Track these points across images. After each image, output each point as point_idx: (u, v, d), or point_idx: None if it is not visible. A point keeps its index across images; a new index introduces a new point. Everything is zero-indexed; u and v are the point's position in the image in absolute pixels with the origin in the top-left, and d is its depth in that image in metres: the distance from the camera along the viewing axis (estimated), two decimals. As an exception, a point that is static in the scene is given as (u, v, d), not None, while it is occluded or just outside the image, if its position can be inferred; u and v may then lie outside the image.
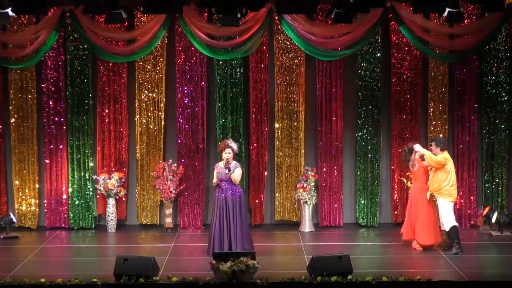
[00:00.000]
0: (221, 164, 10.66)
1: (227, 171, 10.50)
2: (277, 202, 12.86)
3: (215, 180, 10.65)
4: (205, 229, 12.47)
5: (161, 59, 12.58)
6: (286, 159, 12.78)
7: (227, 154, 10.55)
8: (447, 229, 10.80)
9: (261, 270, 9.17)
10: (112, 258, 9.47)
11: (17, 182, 12.72)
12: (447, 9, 10.84)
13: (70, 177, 12.71)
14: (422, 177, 11.01)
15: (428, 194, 10.88)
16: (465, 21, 12.10)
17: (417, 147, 10.96)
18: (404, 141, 12.39)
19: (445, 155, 10.86)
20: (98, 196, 12.76)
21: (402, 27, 12.08)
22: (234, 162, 10.62)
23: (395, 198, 12.88)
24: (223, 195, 10.55)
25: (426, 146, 12.72)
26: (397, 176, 12.77)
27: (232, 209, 10.52)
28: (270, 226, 12.94)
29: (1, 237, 11.99)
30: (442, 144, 10.95)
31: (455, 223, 10.84)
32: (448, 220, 10.80)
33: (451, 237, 10.80)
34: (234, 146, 10.66)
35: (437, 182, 10.77)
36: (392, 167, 12.83)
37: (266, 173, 12.78)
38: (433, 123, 12.71)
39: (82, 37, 12.21)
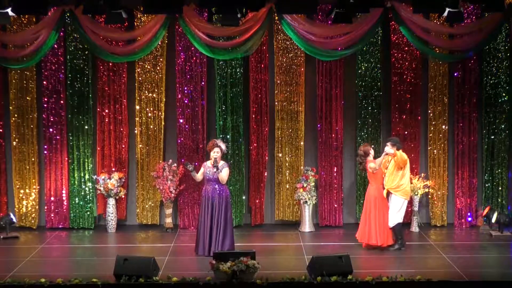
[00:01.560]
0: (208, 163, 10.69)
1: (215, 170, 10.53)
2: (277, 202, 12.86)
3: (199, 175, 10.71)
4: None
5: (161, 59, 12.58)
6: (286, 159, 12.78)
7: (215, 154, 10.58)
8: (392, 225, 10.99)
9: (261, 270, 9.17)
10: (112, 258, 9.47)
11: (17, 182, 12.72)
12: (447, 9, 10.82)
13: (70, 177, 12.71)
14: (380, 179, 11.13)
15: (384, 192, 11.07)
16: (465, 21, 12.09)
17: (388, 149, 10.96)
18: (404, 141, 12.37)
19: (403, 154, 11.04)
20: (98, 196, 12.77)
21: (402, 27, 12.08)
22: (221, 162, 10.65)
23: (395, 198, 12.88)
24: (209, 194, 10.59)
25: (425, 145, 12.77)
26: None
27: (218, 209, 10.55)
28: (270, 226, 12.93)
29: (1, 237, 11.98)
30: (398, 144, 11.10)
31: (401, 221, 11.05)
32: (396, 217, 11.02)
33: (396, 233, 11.03)
34: (223, 146, 10.69)
35: (395, 180, 10.99)
36: (392, 167, 12.82)
37: (266, 173, 12.78)
38: (433, 123, 12.70)
39: (82, 37, 12.21)
